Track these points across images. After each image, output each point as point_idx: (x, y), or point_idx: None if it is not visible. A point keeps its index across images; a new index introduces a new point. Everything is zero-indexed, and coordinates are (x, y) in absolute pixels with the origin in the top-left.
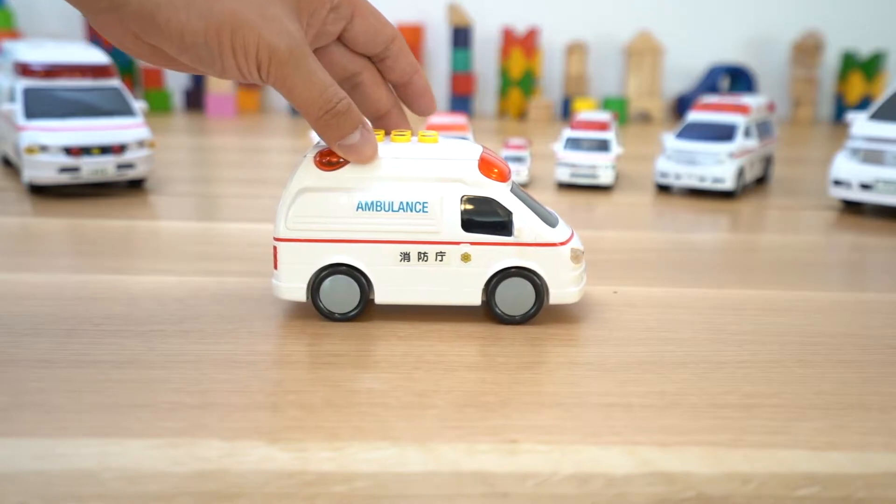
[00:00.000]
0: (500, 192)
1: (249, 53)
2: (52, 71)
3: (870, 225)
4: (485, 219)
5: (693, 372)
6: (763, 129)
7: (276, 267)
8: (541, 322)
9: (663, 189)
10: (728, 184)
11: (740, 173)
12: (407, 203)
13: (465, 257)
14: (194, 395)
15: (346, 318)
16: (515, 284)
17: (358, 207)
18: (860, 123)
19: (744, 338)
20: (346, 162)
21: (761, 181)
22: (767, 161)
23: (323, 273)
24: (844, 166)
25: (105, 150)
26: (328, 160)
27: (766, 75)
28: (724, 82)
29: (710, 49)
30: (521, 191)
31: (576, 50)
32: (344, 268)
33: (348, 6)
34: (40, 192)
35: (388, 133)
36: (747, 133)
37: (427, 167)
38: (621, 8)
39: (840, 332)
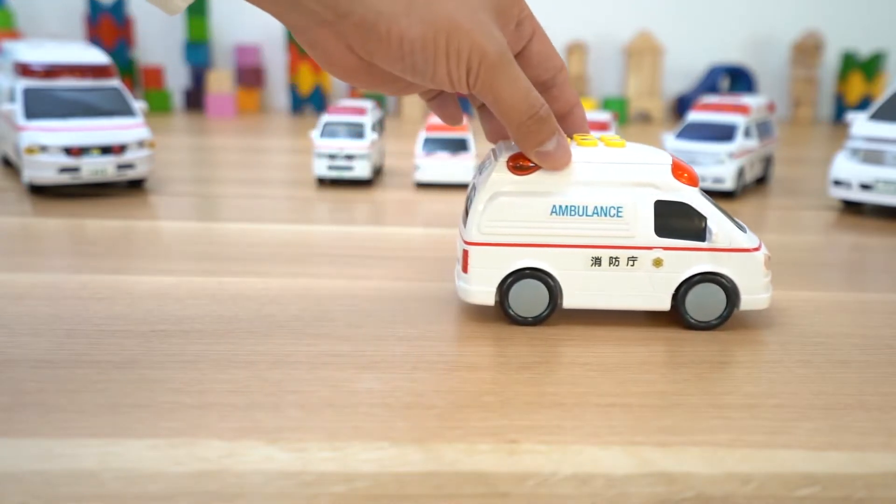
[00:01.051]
0: (693, 197)
1: (462, 58)
2: (52, 71)
3: (870, 225)
4: (678, 223)
5: (693, 372)
6: (763, 129)
7: (465, 270)
8: (540, 322)
9: None
10: (728, 184)
11: (740, 173)
12: (601, 207)
13: (658, 262)
14: (194, 395)
15: (535, 321)
16: (707, 290)
17: (552, 212)
18: (860, 123)
19: (743, 338)
20: (538, 167)
21: (761, 181)
22: (767, 161)
23: (513, 277)
24: (844, 166)
25: (105, 150)
26: (521, 164)
27: (766, 75)
28: (724, 82)
29: (710, 49)
30: (708, 196)
31: (576, 50)
32: (534, 272)
33: (529, 25)
34: (40, 192)
35: (570, 136)
36: (747, 133)
37: (620, 171)
38: (621, 8)
39: (840, 332)
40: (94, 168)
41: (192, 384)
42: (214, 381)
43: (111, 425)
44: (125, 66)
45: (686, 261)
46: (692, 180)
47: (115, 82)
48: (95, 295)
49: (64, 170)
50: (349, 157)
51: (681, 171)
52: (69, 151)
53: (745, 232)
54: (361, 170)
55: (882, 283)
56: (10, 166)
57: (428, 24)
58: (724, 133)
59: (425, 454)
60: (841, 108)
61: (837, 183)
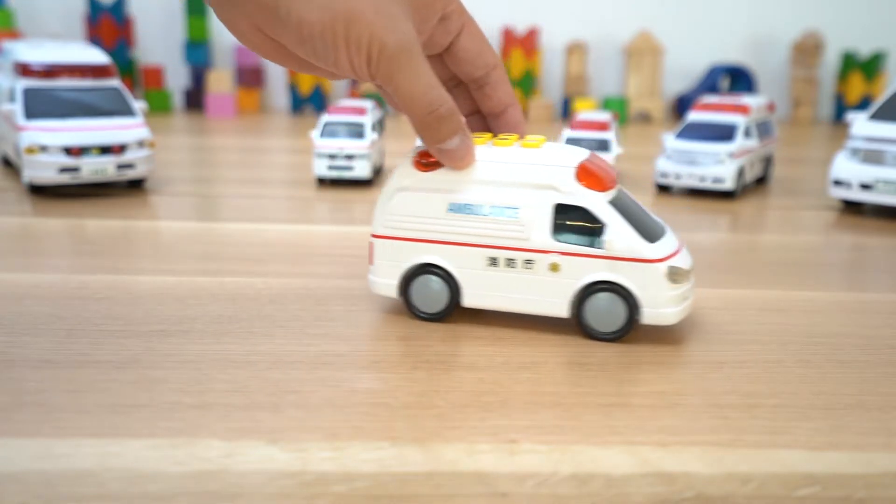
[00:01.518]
0: (593, 202)
1: (361, 47)
2: (52, 71)
3: (870, 225)
4: (576, 228)
5: (693, 372)
6: (763, 129)
7: (370, 262)
8: (540, 322)
9: (663, 189)
10: (728, 184)
11: (740, 173)
12: (497, 207)
13: (554, 267)
14: (194, 395)
15: (434, 318)
16: (606, 299)
17: (449, 209)
18: (860, 123)
19: (744, 338)
20: (441, 164)
21: (761, 181)
22: (767, 161)
23: (414, 272)
24: (844, 166)
25: (105, 150)
26: (426, 161)
27: (766, 75)
28: (724, 82)
29: (710, 49)
30: (630, 201)
31: (576, 50)
32: (434, 268)
33: (458, 20)
34: (40, 192)
35: (495, 135)
36: (747, 133)
37: (522, 172)
38: (621, 8)
39: (840, 332)
40: (94, 168)
41: (192, 384)
42: (214, 381)
43: (111, 425)
44: (125, 66)
45: (583, 268)
46: (600, 184)
47: (115, 82)
48: (95, 295)
49: (64, 170)
50: (349, 157)
51: (586, 175)
52: (69, 151)
53: (655, 241)
54: (361, 170)
55: (882, 283)
56: (10, 166)
57: (327, 10)
58: (724, 133)
59: (425, 454)
60: (841, 108)
61: (837, 183)
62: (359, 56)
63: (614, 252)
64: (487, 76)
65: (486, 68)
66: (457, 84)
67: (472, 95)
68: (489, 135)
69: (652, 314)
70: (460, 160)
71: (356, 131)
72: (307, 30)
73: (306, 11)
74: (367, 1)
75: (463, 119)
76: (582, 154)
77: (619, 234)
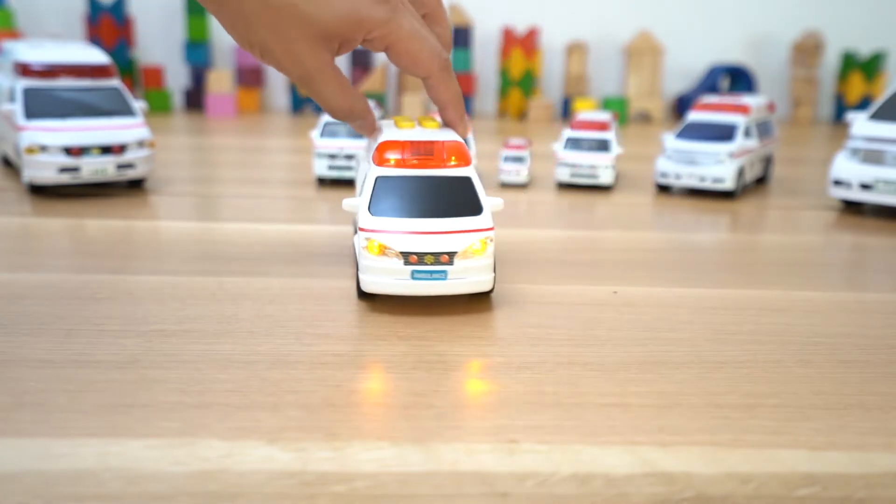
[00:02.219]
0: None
1: (275, 67)
2: (52, 71)
3: (870, 225)
4: None
5: (693, 372)
6: (763, 129)
7: None
8: (541, 322)
9: (663, 189)
10: (728, 184)
11: (740, 173)
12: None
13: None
14: (194, 395)
15: None
16: None
17: None
18: (860, 123)
19: (744, 338)
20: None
21: (761, 181)
22: (767, 161)
23: None
24: (844, 166)
25: (105, 150)
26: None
27: (766, 75)
28: (724, 82)
29: (710, 49)
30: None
31: (576, 50)
32: None
33: (381, 42)
34: (40, 192)
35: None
36: (747, 133)
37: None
38: (621, 8)
39: (840, 332)
40: (94, 168)
41: (192, 384)
42: (214, 381)
43: (111, 425)
44: (125, 66)
45: None
46: (377, 160)
47: (114, 82)
48: (95, 295)
49: (64, 170)
50: (349, 157)
51: (379, 154)
52: (69, 151)
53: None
54: None
55: (882, 283)
56: (10, 166)
57: (245, 40)
58: (724, 133)
59: (425, 454)
60: (841, 108)
61: (837, 183)
62: (277, 70)
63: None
64: (424, 81)
65: (419, 77)
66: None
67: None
68: (412, 123)
69: None
70: (366, 133)
71: (356, 131)
72: (238, 43)
73: (232, 30)
74: (277, 40)
75: (365, 106)
76: (443, 134)
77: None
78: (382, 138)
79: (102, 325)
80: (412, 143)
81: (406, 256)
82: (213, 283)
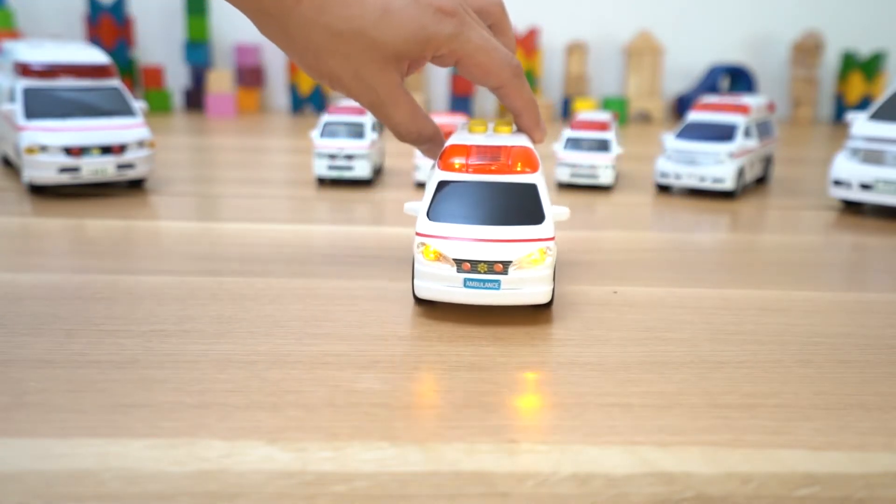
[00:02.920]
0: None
1: (348, 95)
2: (52, 71)
3: (870, 225)
4: None
5: (693, 372)
6: (763, 129)
7: None
8: (541, 322)
9: (663, 189)
10: (728, 184)
11: (740, 173)
12: None
13: None
14: (194, 395)
15: None
16: None
17: None
18: (860, 123)
19: (744, 338)
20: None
21: (761, 181)
22: (767, 161)
23: None
24: (844, 166)
25: (105, 150)
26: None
27: (766, 75)
28: (724, 82)
29: (710, 49)
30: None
31: (576, 50)
32: None
33: (451, 58)
34: (40, 192)
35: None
36: (747, 133)
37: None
38: (621, 8)
39: (840, 332)
40: (94, 168)
41: (192, 384)
42: (214, 381)
43: (111, 425)
44: (125, 66)
45: None
46: (446, 166)
47: (114, 82)
48: (95, 295)
49: (64, 170)
50: (349, 157)
51: (444, 158)
52: (69, 151)
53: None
54: (361, 170)
55: (882, 283)
56: (10, 166)
57: (314, 70)
58: (724, 133)
59: (425, 454)
60: (841, 108)
61: (837, 183)
62: (348, 96)
63: None
64: (496, 90)
65: (491, 88)
66: None
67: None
68: (485, 124)
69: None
70: (433, 157)
71: (356, 131)
72: (307, 73)
73: (300, 61)
74: (347, 66)
75: (435, 129)
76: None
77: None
78: (449, 142)
79: (102, 325)
80: (478, 147)
81: (459, 263)
82: (213, 283)
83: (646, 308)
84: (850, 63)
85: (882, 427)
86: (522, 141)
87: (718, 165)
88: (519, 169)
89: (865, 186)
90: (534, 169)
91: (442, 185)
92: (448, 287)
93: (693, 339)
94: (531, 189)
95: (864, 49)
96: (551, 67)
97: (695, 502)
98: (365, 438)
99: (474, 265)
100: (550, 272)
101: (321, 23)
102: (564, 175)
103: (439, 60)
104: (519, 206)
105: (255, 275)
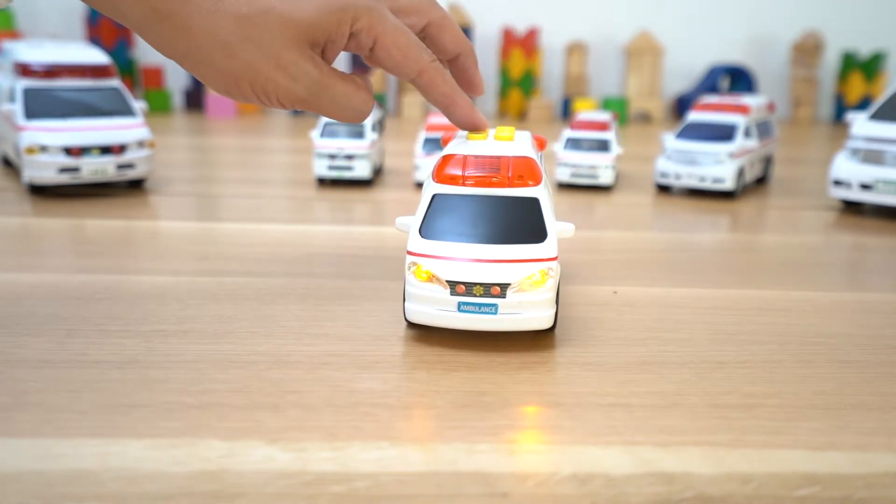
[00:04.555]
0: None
1: (272, 98)
2: (52, 71)
3: (870, 225)
4: None
5: (693, 372)
6: (763, 129)
7: None
8: None
9: (663, 189)
10: (728, 184)
11: (740, 173)
12: None
13: None
14: (194, 395)
15: None
16: None
17: None
18: (860, 123)
19: (744, 338)
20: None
21: (761, 181)
22: (767, 161)
23: None
24: (844, 166)
25: (105, 150)
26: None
27: (766, 75)
28: (724, 82)
29: (710, 49)
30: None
31: (576, 50)
32: None
33: (367, 35)
34: (40, 192)
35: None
36: (747, 133)
37: None
38: (621, 8)
39: (840, 332)
40: (94, 168)
41: (192, 384)
42: (214, 381)
43: (111, 425)
44: (125, 66)
45: None
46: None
47: (115, 82)
48: (95, 295)
49: (64, 170)
50: (349, 157)
51: (439, 169)
52: (69, 151)
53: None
54: (361, 170)
55: (882, 283)
56: (10, 166)
57: (226, 74)
58: (724, 133)
59: (425, 454)
60: (841, 108)
61: (837, 183)
62: (275, 101)
63: None
64: (414, 81)
65: (410, 75)
66: None
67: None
68: (485, 133)
69: None
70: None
71: (356, 131)
72: (215, 86)
73: (206, 72)
74: (265, 55)
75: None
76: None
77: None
78: (445, 151)
79: (102, 325)
80: (476, 157)
81: (453, 286)
82: (213, 283)
83: (646, 308)
84: (850, 63)
85: (882, 427)
86: (525, 150)
87: (718, 165)
88: (520, 182)
89: (865, 186)
90: (536, 181)
91: (436, 198)
92: (441, 311)
93: (693, 339)
94: (533, 204)
95: (864, 49)
96: (551, 67)
97: (695, 502)
98: (365, 438)
99: (469, 288)
100: (552, 295)
101: (223, 10)
102: (564, 175)
103: (356, 40)
104: (519, 223)
105: (255, 275)
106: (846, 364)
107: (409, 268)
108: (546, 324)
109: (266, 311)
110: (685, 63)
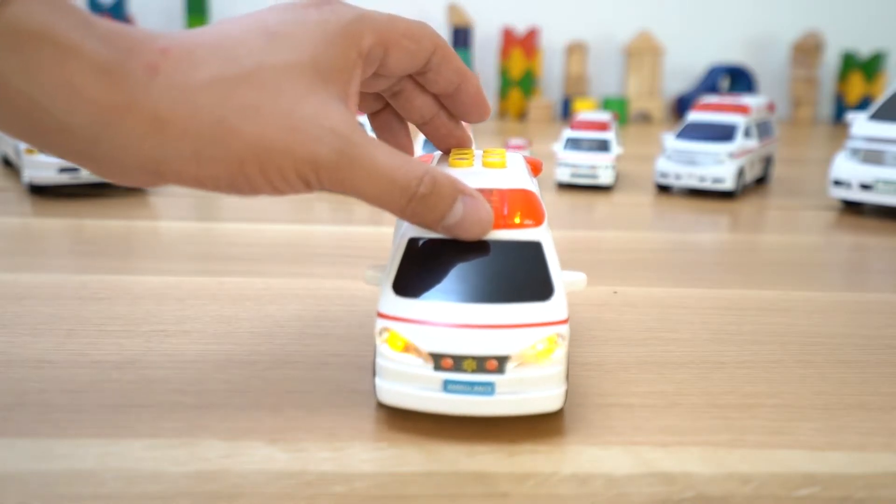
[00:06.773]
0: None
1: (289, 177)
2: None
3: (870, 225)
4: None
5: (693, 372)
6: (763, 130)
7: None
8: None
9: (663, 189)
10: (728, 184)
11: (740, 173)
12: None
13: None
14: (194, 395)
15: None
16: None
17: None
18: (860, 123)
19: (744, 338)
20: None
21: (761, 181)
22: (767, 161)
23: None
24: (844, 166)
25: None
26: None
27: (766, 75)
28: (724, 82)
29: (710, 49)
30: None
31: (576, 50)
32: None
33: (379, 44)
34: (40, 192)
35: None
36: (747, 133)
37: None
38: (621, 8)
39: (840, 332)
40: None
41: (192, 384)
42: (214, 381)
43: (111, 425)
44: None
45: None
46: None
47: None
48: (95, 295)
49: (64, 170)
50: None
51: None
52: None
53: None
54: None
55: (882, 283)
56: (10, 166)
57: (225, 162)
58: (724, 133)
59: (425, 454)
60: (841, 108)
61: (837, 183)
62: (292, 185)
63: None
64: (428, 64)
65: (423, 60)
66: (395, 93)
67: (420, 84)
68: (450, 157)
69: None
70: (472, 231)
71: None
72: (211, 184)
73: (198, 169)
74: (274, 120)
75: (451, 178)
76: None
77: None
78: None
79: (102, 325)
80: None
81: (437, 359)
82: (213, 283)
83: (646, 308)
84: (850, 63)
85: (882, 427)
86: (522, 180)
87: (718, 165)
88: (518, 221)
89: (865, 186)
90: (537, 220)
91: (413, 245)
92: (422, 391)
93: (693, 339)
94: (534, 249)
95: (864, 49)
96: (551, 67)
97: (695, 502)
98: (365, 438)
99: (458, 362)
100: (562, 368)
101: (195, 80)
102: (564, 175)
103: (369, 62)
104: (518, 275)
105: (255, 275)
106: (846, 364)
107: (381, 334)
108: (555, 405)
109: (266, 311)
110: (685, 63)
